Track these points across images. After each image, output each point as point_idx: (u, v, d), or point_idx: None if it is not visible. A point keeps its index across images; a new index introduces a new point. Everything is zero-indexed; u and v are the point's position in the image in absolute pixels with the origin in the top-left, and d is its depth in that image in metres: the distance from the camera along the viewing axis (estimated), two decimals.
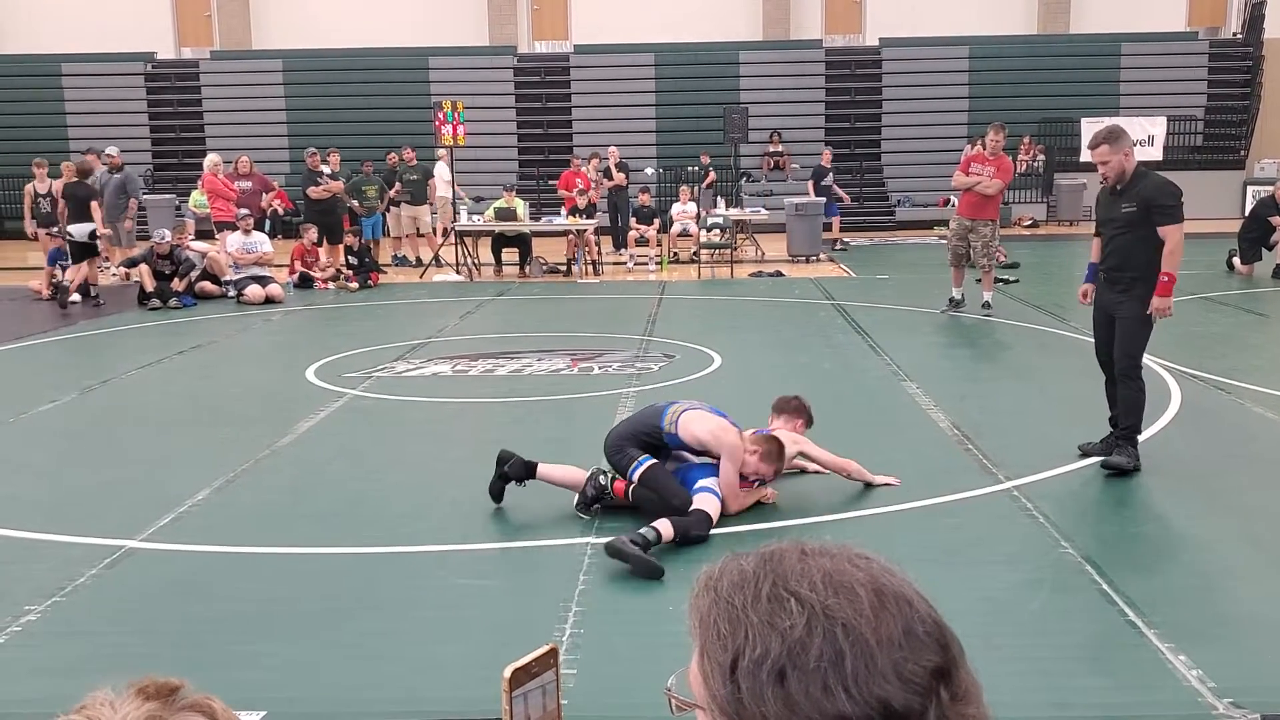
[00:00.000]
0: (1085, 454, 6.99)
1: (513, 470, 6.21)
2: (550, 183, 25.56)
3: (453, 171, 20.06)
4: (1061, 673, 4.24)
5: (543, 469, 6.26)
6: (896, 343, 11.16)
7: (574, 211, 18.81)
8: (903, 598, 0.96)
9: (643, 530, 5.46)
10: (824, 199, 21.28)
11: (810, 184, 22.28)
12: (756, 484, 6.18)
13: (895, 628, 0.93)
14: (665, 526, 5.55)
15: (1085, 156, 24.09)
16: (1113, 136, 6.75)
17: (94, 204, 15.92)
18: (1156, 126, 26.87)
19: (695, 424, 6.07)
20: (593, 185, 19.61)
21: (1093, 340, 7.21)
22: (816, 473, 6.63)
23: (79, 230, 15.58)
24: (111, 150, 19.17)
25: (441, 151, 21.20)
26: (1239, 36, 29.25)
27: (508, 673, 1.24)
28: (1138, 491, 6.45)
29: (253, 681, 4.20)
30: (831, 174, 22.58)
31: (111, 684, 1.02)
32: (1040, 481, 6.55)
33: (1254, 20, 28.34)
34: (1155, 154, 26.44)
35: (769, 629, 0.94)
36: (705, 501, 5.88)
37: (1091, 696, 4.03)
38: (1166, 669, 4.19)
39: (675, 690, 1.04)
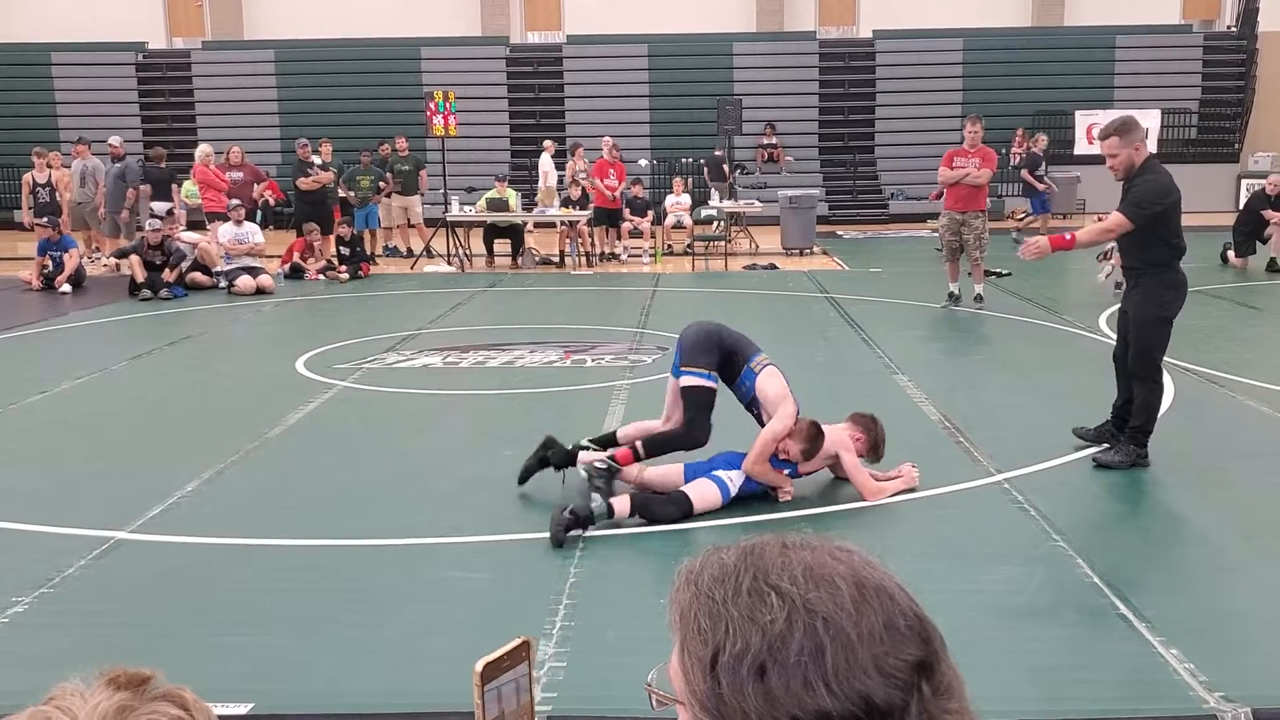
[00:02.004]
0: (1079, 436, 6.96)
1: (555, 457, 6.26)
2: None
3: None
4: (1051, 666, 4.24)
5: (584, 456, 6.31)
6: (888, 335, 11.15)
7: (566, 202, 18.76)
8: (884, 591, 0.95)
9: (595, 505, 5.61)
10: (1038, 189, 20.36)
11: (1026, 173, 20.97)
12: (786, 472, 6.17)
13: (876, 621, 0.92)
14: (622, 503, 5.72)
15: (1080, 149, 24.27)
16: (1124, 128, 6.54)
17: (174, 186, 18.97)
18: (1150, 119, 26.77)
19: (772, 381, 6.18)
20: (585, 181, 19.50)
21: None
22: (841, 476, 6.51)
23: (157, 208, 17.85)
24: (115, 140, 19.16)
25: (549, 142, 21.25)
26: (1233, 29, 29.26)
27: (479, 666, 1.23)
28: (1130, 485, 6.45)
29: (241, 673, 4.18)
30: (1045, 162, 20.89)
31: (81, 675, 1.00)
32: (1031, 474, 6.54)
33: (1248, 13, 28.35)
34: (1150, 147, 26.41)
35: (749, 623, 0.92)
36: (699, 488, 5.92)
37: (1082, 690, 4.02)
38: (1158, 663, 4.18)
39: (656, 685, 1.03)
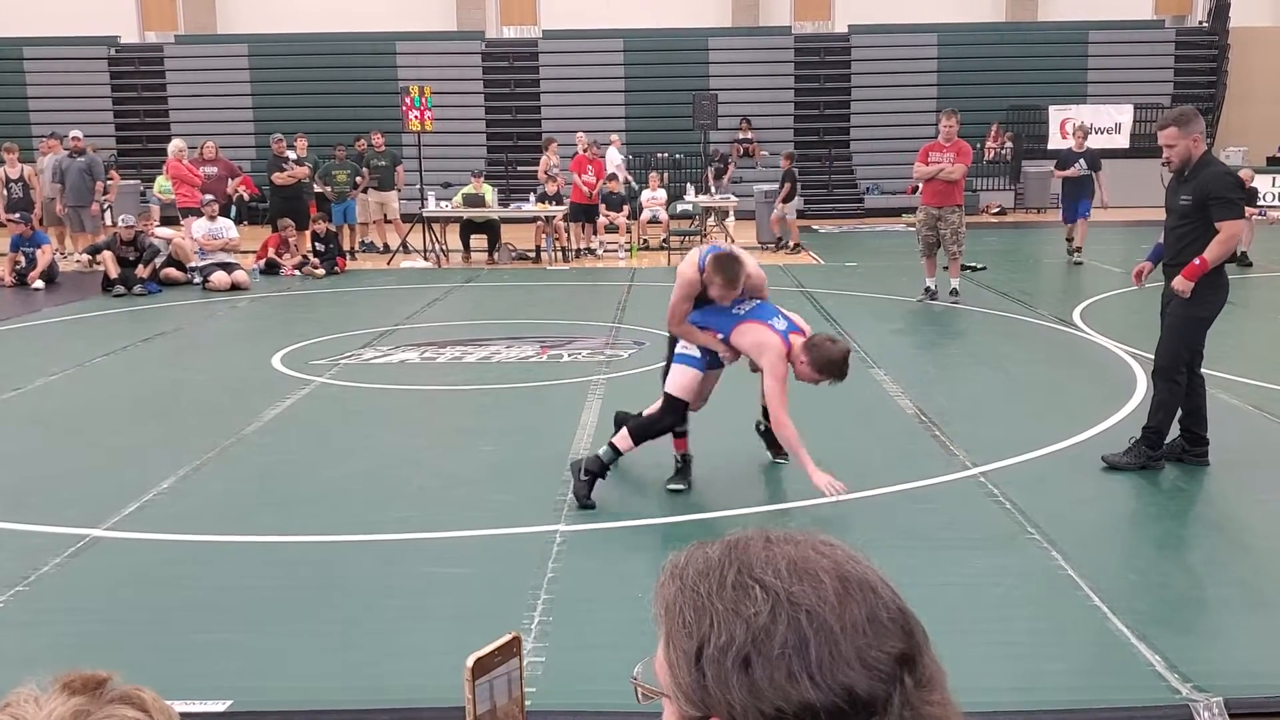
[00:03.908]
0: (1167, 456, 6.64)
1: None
2: (520, 169, 25.52)
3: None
4: (1027, 658, 4.27)
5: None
6: (864, 330, 11.19)
7: (542, 198, 18.73)
8: (867, 584, 0.96)
9: (601, 451, 5.97)
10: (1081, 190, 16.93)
11: (1055, 172, 17.84)
12: (720, 337, 6.20)
13: (859, 614, 0.93)
14: (622, 439, 6.03)
15: (1053, 144, 24.38)
16: (1183, 120, 6.46)
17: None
18: (1123, 114, 27.06)
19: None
20: (557, 176, 19.44)
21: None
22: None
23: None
24: (76, 134, 18.96)
25: (614, 136, 21.24)
26: (1205, 25, 29.47)
27: (470, 662, 1.23)
28: (1103, 479, 6.48)
29: (219, 671, 4.16)
30: (1082, 161, 16.98)
31: (39, 679, 1.00)
32: (1007, 468, 6.58)
33: (1219, 9, 28.57)
34: (1122, 142, 26.62)
35: (734, 616, 0.93)
36: (672, 380, 6.20)
37: (1056, 681, 4.06)
38: (1131, 654, 4.22)
39: (641, 679, 1.03)
